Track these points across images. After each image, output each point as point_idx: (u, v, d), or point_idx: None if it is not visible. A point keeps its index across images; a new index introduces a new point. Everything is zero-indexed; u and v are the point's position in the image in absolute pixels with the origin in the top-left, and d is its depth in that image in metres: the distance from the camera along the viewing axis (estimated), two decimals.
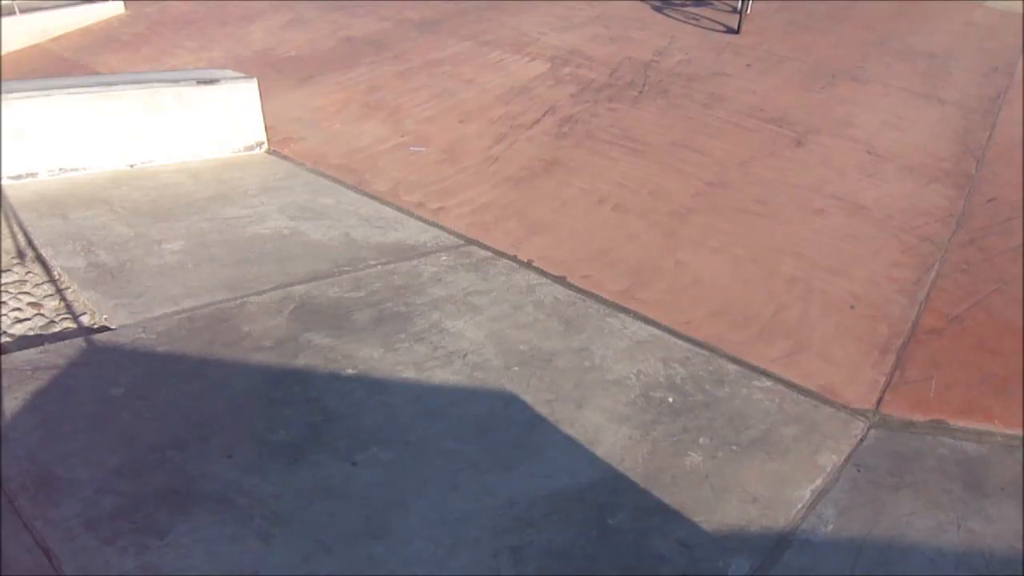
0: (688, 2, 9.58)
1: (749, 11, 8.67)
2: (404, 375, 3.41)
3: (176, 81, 5.28)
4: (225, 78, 5.50)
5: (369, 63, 7.39)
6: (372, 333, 3.67)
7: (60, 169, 4.92)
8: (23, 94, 4.81)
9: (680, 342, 3.86)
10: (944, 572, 2.64)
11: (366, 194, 5.22)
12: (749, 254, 4.65)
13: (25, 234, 4.23)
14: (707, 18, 8.94)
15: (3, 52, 8.20)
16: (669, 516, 2.79)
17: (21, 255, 4.04)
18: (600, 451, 3.07)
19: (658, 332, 3.92)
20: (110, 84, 5.17)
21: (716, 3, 9.51)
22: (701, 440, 3.19)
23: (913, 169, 5.76)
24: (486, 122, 6.23)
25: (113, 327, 3.51)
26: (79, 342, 3.39)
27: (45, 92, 4.88)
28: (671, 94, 6.74)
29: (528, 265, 4.47)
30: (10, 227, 4.27)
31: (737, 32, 8.39)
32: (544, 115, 6.33)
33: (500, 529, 2.66)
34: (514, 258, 4.53)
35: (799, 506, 2.90)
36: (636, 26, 8.48)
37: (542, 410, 3.27)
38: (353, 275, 4.19)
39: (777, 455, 3.15)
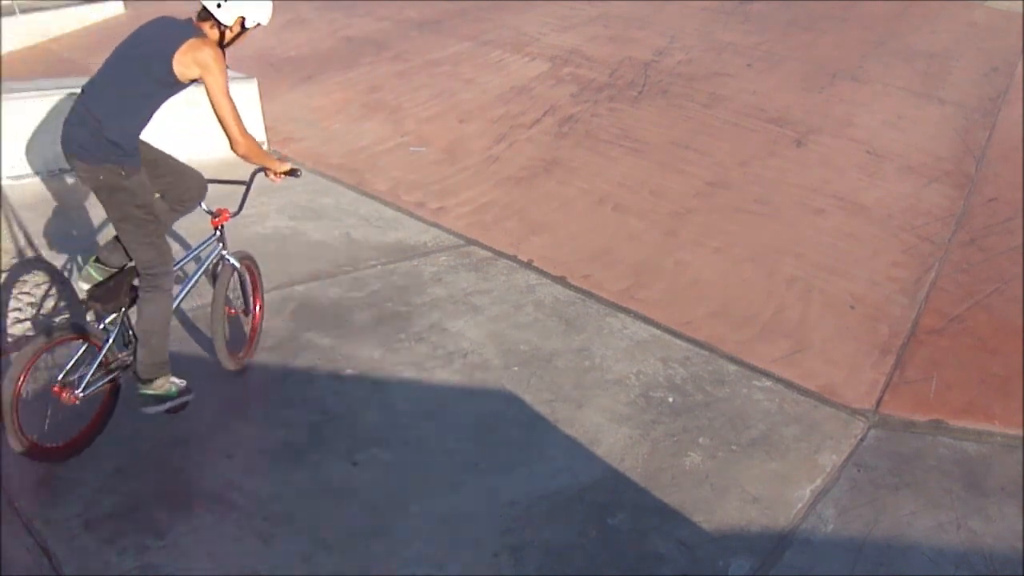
0: None
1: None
2: (404, 375, 3.41)
3: None
4: None
5: (369, 63, 7.39)
6: (372, 333, 3.68)
7: (60, 169, 4.91)
8: (23, 94, 4.80)
9: (680, 342, 3.86)
10: (944, 572, 2.64)
11: (366, 194, 5.22)
12: (749, 254, 4.65)
13: (25, 234, 4.23)
14: None
15: (3, 52, 8.19)
16: (669, 516, 2.78)
17: (21, 255, 4.04)
18: (600, 451, 3.07)
19: (658, 332, 3.92)
20: None
21: None
22: (701, 440, 3.19)
23: (913, 169, 5.76)
24: (486, 122, 6.23)
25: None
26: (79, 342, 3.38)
27: (45, 92, 4.87)
28: (671, 94, 6.74)
29: (528, 265, 4.47)
30: (10, 227, 4.27)
31: None
32: (544, 115, 6.32)
33: (500, 529, 2.66)
34: (514, 258, 4.53)
35: (799, 506, 2.89)
36: (636, 26, 8.48)
37: (542, 410, 3.27)
38: (353, 275, 4.19)
39: (777, 455, 3.15)
